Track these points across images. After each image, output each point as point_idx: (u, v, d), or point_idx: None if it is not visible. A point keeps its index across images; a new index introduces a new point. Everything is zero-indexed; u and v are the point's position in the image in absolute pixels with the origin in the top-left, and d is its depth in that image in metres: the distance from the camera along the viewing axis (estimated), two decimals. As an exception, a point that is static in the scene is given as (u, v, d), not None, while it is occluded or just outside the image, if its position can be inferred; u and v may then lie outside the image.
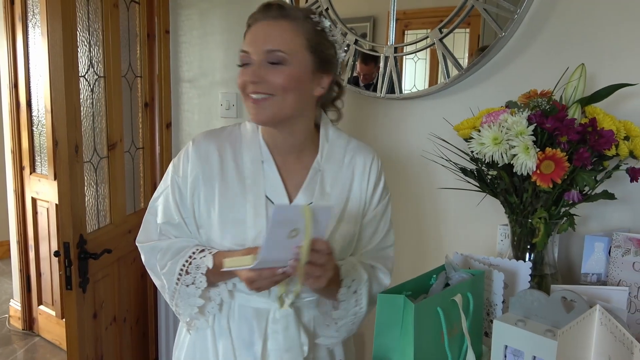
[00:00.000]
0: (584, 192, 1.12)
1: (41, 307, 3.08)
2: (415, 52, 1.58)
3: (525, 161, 1.04)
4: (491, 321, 1.01)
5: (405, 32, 1.61)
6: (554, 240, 1.22)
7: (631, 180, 1.11)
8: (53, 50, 1.53)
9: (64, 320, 2.53)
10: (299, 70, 1.00)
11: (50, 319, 3.02)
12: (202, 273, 1.04)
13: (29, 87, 2.89)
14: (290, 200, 1.08)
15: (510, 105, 1.21)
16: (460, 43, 1.51)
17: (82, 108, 1.71)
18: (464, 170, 1.24)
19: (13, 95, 2.94)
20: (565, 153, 1.04)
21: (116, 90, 1.91)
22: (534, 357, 0.85)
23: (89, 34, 1.77)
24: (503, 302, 1.06)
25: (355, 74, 1.70)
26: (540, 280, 1.16)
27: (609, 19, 1.30)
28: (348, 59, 1.66)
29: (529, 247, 1.16)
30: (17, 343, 3.04)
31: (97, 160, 1.87)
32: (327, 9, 1.69)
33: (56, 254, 1.64)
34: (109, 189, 1.92)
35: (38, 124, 2.92)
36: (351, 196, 1.11)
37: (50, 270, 2.96)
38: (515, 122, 1.07)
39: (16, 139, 2.99)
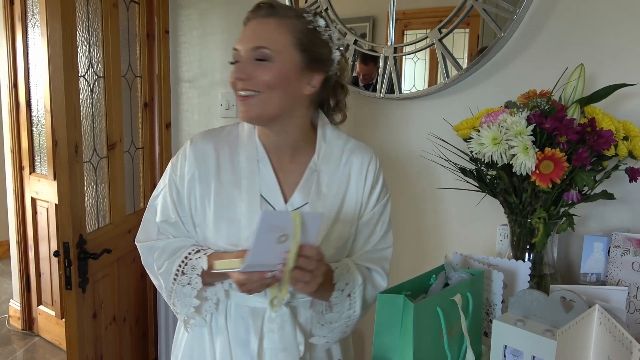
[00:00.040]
0: (583, 192, 1.12)
1: (41, 307, 3.08)
2: (414, 52, 1.58)
3: (525, 161, 1.04)
4: (490, 321, 1.02)
5: (405, 32, 1.61)
6: (553, 240, 1.22)
7: (630, 181, 1.12)
8: (53, 50, 1.53)
9: (63, 320, 2.53)
10: (285, 67, 1.00)
11: (49, 319, 3.02)
12: (197, 274, 1.05)
13: (29, 87, 2.89)
14: (286, 200, 1.08)
15: (509, 105, 1.21)
16: (459, 43, 1.51)
17: (81, 108, 1.71)
18: (463, 170, 1.24)
19: (13, 95, 2.93)
20: (564, 153, 1.04)
21: (116, 91, 1.91)
22: (533, 357, 0.85)
23: (88, 34, 1.77)
24: (502, 302, 1.06)
25: (354, 74, 1.70)
26: (539, 280, 1.16)
27: (608, 19, 1.30)
28: (347, 59, 1.66)
29: (528, 247, 1.17)
30: (16, 343, 3.04)
31: (97, 160, 1.87)
32: (326, 9, 1.69)
33: (56, 253, 1.64)
34: (109, 189, 1.92)
35: (38, 124, 2.92)
36: (347, 197, 1.11)
37: (49, 270, 2.96)
38: (515, 122, 1.07)
39: (16, 139, 2.99)
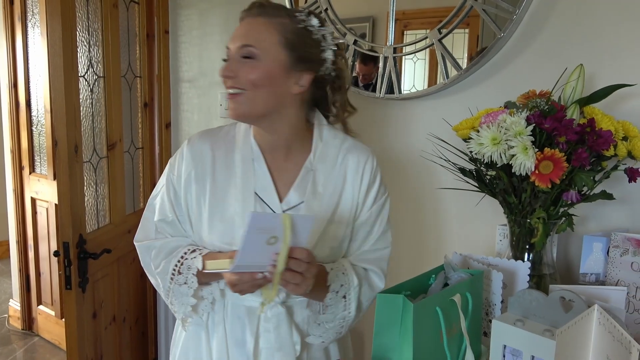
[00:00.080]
0: (582, 193, 1.12)
1: (40, 307, 3.08)
2: (414, 53, 1.58)
3: (524, 161, 1.04)
4: (490, 321, 1.02)
5: (405, 32, 1.61)
6: (553, 240, 1.22)
7: (629, 181, 1.12)
8: (52, 50, 1.53)
9: (63, 320, 2.53)
10: (270, 66, 1.00)
11: (49, 319, 3.02)
12: (193, 274, 1.05)
13: (29, 87, 2.89)
14: (281, 198, 1.08)
15: (509, 105, 1.21)
16: (459, 43, 1.51)
17: (81, 108, 1.71)
18: (463, 171, 1.25)
19: (12, 95, 2.94)
20: (563, 153, 1.04)
21: (116, 91, 1.91)
22: (533, 356, 0.85)
23: (88, 34, 1.77)
24: (502, 301, 1.06)
25: (354, 74, 1.70)
26: (538, 280, 1.16)
27: (607, 20, 1.30)
28: (346, 60, 1.66)
29: (527, 247, 1.17)
30: (16, 343, 3.04)
31: (97, 160, 1.87)
32: (326, 9, 1.69)
33: (56, 253, 1.64)
34: (109, 189, 1.93)
35: (37, 124, 2.92)
36: (343, 196, 1.10)
37: (49, 270, 2.96)
38: (514, 122, 1.08)
39: (15, 139, 2.99)
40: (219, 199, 1.07)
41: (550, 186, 1.05)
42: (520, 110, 1.12)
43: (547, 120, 1.07)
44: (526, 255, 1.17)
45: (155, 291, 2.18)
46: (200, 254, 1.06)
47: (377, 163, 1.14)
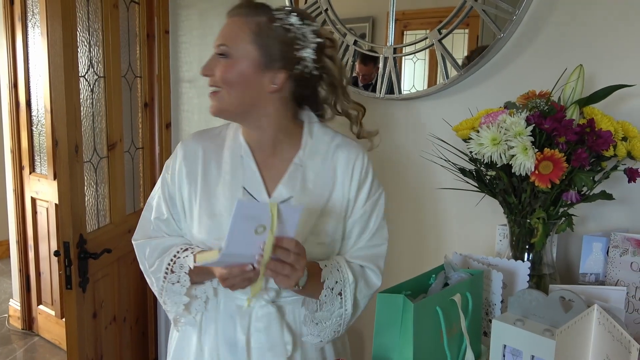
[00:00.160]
0: (582, 193, 1.13)
1: (41, 306, 3.08)
2: (414, 53, 1.58)
3: (524, 162, 1.04)
4: (490, 321, 1.02)
5: (405, 32, 1.61)
6: (553, 240, 1.22)
7: (629, 181, 1.12)
8: (53, 50, 1.53)
9: (63, 319, 2.54)
10: (240, 64, 1.02)
11: (49, 319, 3.02)
12: (185, 272, 1.06)
13: (29, 87, 2.89)
14: (269, 194, 1.08)
15: (508, 105, 1.21)
16: (459, 44, 1.51)
17: (82, 108, 1.71)
18: (462, 171, 1.25)
19: (13, 95, 2.94)
20: (563, 154, 1.05)
21: (116, 91, 1.91)
22: (533, 356, 0.86)
23: (88, 34, 1.77)
24: (502, 301, 1.06)
25: (354, 74, 1.70)
26: (538, 280, 1.16)
27: (607, 20, 1.30)
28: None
29: (527, 247, 1.17)
30: (16, 343, 3.05)
31: (97, 160, 1.87)
32: (326, 10, 1.69)
33: (56, 253, 1.64)
34: (109, 189, 1.93)
35: (38, 124, 2.92)
36: (334, 193, 1.10)
37: (49, 270, 2.96)
38: (514, 122, 1.08)
39: (16, 139, 2.99)
40: (209, 196, 1.09)
41: (550, 186, 1.05)
42: (520, 110, 1.12)
43: (546, 121, 1.07)
44: (526, 255, 1.17)
45: (155, 291, 2.18)
46: (192, 252, 1.07)
47: (369, 159, 1.14)
